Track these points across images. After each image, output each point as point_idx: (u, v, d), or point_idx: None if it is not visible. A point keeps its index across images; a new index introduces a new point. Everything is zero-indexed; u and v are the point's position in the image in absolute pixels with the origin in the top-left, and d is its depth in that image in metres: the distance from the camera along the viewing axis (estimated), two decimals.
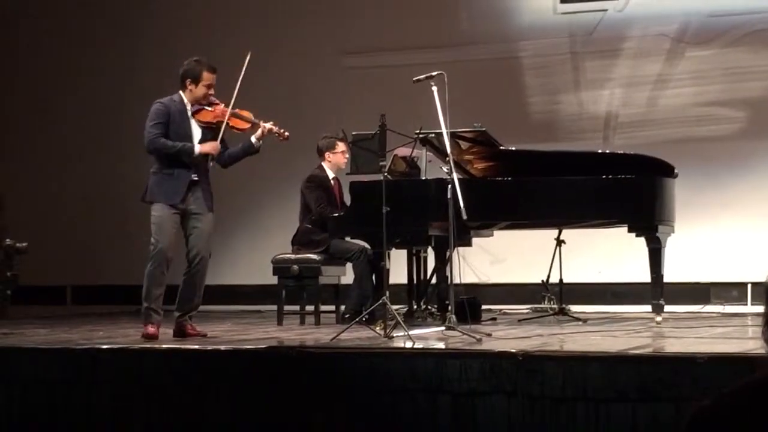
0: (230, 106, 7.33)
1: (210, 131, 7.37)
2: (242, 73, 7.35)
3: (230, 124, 7.37)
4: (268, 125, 7.45)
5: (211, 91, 7.38)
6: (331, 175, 9.25)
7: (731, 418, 1.65)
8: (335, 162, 9.25)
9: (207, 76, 7.33)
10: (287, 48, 11.75)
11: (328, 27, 11.70)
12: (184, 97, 7.37)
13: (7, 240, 7.03)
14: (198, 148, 7.31)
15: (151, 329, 7.22)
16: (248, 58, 7.36)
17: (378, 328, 7.22)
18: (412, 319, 8.41)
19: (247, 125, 7.43)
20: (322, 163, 9.29)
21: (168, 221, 7.30)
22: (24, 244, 7.05)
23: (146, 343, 6.95)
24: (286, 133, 7.52)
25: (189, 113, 7.36)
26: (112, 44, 12.37)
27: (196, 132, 7.38)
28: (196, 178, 7.36)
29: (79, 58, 12.50)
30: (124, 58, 12.22)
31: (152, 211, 7.36)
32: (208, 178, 7.49)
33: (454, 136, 8.03)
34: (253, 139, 7.48)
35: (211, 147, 7.35)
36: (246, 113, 7.46)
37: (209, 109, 7.38)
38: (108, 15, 12.49)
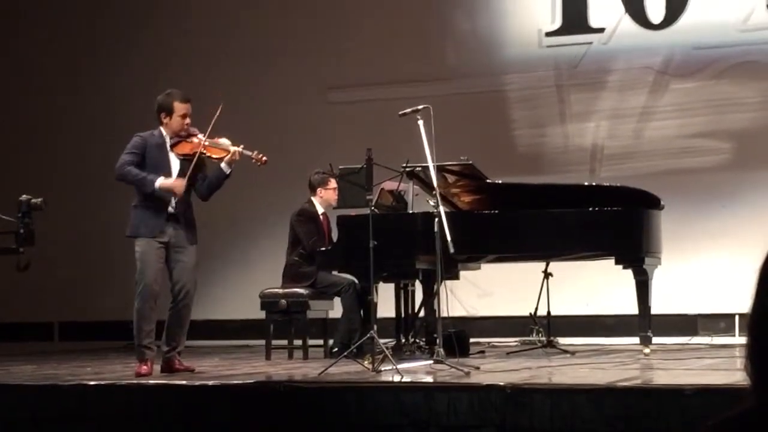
0: (206, 135, 7.32)
1: (188, 163, 7.35)
2: (212, 124, 7.30)
3: (206, 154, 7.34)
4: (239, 149, 7.36)
5: (187, 121, 7.33)
6: (320, 210, 9.24)
7: None
8: (326, 198, 9.25)
9: (179, 107, 7.31)
10: (272, 83, 11.78)
11: (314, 62, 11.73)
12: (163, 131, 7.36)
13: (23, 195, 6.92)
14: (159, 183, 7.21)
15: (144, 368, 7.19)
16: (220, 108, 7.30)
17: (366, 362, 7.21)
18: (400, 353, 8.40)
19: (224, 153, 7.35)
20: (312, 198, 9.28)
21: (152, 256, 7.26)
22: (39, 200, 6.92)
23: (134, 379, 6.93)
24: (264, 158, 7.43)
25: (168, 146, 7.35)
26: (95, 81, 12.38)
27: (175, 164, 7.36)
28: (173, 211, 7.32)
29: (63, 93, 12.51)
30: (109, 95, 12.23)
31: (135, 246, 7.33)
32: (191, 211, 7.45)
33: (440, 169, 8.05)
34: (222, 164, 7.36)
35: (173, 185, 7.24)
36: (222, 141, 7.41)
37: (187, 141, 7.37)
38: (93, 51, 12.50)
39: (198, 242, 7.48)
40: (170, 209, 7.31)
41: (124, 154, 7.31)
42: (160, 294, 7.32)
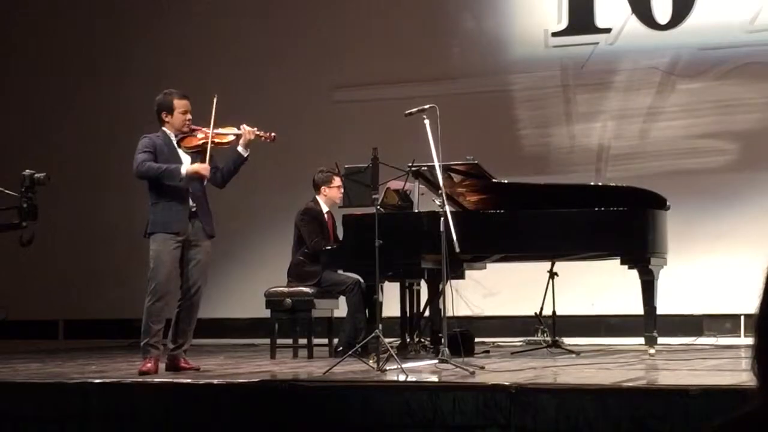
0: (210, 128, 7.35)
1: (198, 155, 7.38)
2: (212, 116, 7.34)
3: (216, 141, 7.38)
4: (251, 129, 7.45)
5: (188, 117, 7.38)
6: (325, 209, 9.24)
7: None
8: (330, 196, 9.25)
9: (179, 104, 7.36)
10: (277, 82, 11.78)
11: (319, 61, 11.73)
12: (166, 130, 7.39)
13: (26, 170, 6.91)
14: (185, 169, 7.25)
15: (148, 365, 7.17)
16: (215, 101, 7.35)
17: (371, 361, 7.21)
18: (405, 352, 8.40)
19: (233, 138, 7.45)
20: (317, 197, 9.29)
21: (168, 253, 7.23)
22: (42, 175, 6.91)
23: (139, 378, 6.93)
24: (273, 134, 7.55)
25: (174, 143, 7.38)
26: (104, 83, 12.39)
27: (186, 160, 7.37)
28: (194, 209, 7.35)
29: (70, 94, 12.52)
30: (116, 96, 12.23)
31: (152, 243, 7.29)
32: (208, 204, 7.47)
33: (446, 168, 8.05)
34: (239, 148, 7.44)
35: (199, 167, 7.29)
36: (227, 127, 7.48)
37: (192, 135, 7.41)
38: (100, 52, 12.51)
39: (215, 234, 7.49)
40: (192, 208, 7.32)
41: (138, 153, 7.28)
42: (172, 293, 7.30)
